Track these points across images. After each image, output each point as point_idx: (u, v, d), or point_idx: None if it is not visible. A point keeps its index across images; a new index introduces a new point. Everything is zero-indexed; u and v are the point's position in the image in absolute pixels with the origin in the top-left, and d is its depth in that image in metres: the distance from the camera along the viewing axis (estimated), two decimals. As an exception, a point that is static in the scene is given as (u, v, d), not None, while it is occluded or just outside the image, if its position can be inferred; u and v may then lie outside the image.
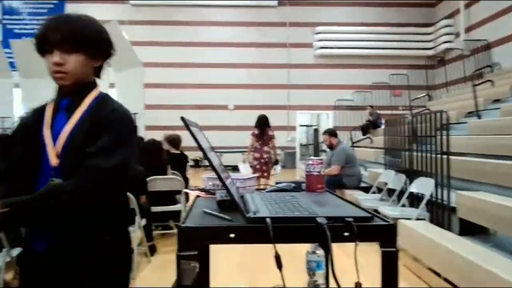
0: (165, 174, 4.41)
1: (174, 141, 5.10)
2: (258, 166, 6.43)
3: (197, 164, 13.19)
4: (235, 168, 12.25)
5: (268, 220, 0.93)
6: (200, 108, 13.71)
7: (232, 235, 0.96)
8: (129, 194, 3.19)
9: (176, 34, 14.00)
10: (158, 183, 4.18)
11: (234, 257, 3.68)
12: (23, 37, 13.39)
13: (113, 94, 11.28)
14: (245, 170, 6.56)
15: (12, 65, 11.15)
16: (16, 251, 2.53)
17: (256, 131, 6.48)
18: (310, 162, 1.41)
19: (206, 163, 11.50)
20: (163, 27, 14.01)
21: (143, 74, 10.41)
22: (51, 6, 13.82)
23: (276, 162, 6.91)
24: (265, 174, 6.44)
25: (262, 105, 13.78)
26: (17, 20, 13.94)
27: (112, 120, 1.23)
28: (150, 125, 11.37)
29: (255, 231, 0.95)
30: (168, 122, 11.83)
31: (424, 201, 3.99)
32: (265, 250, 0.94)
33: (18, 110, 11.14)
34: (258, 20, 14.30)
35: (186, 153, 5.38)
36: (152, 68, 12.61)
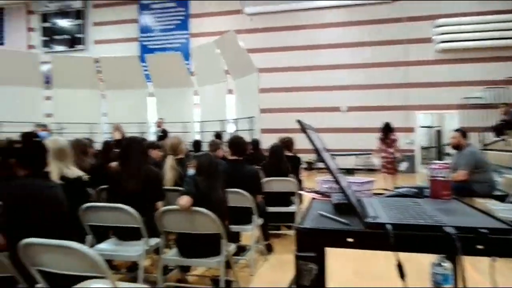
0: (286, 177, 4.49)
1: (287, 143, 5.17)
2: (384, 164, 7.87)
3: (309, 166, 13.23)
4: (349, 171, 12.01)
5: (388, 226, 0.90)
6: (312, 110, 13.70)
7: (350, 240, 0.95)
8: (246, 193, 3.34)
9: (289, 39, 14.26)
10: (273, 184, 4.30)
11: (349, 262, 3.60)
12: (156, 52, 15.12)
13: (231, 99, 12.03)
14: (378, 162, 8.21)
15: (147, 77, 12.73)
16: (153, 241, 2.82)
17: (381, 136, 7.94)
18: (435, 166, 1.33)
19: (319, 165, 11.46)
20: (276, 33, 14.40)
21: (259, 79, 10.84)
22: (179, 22, 15.32)
23: (402, 160, 8.24)
24: (391, 170, 7.81)
25: (377, 105, 13.21)
26: (150, 37, 15.79)
27: None
28: (265, 128, 11.77)
29: (374, 237, 0.93)
30: (282, 125, 12.16)
31: None
32: (380, 257, 0.91)
33: (153, 116, 12.62)
34: (372, 18, 13.73)
35: (299, 155, 5.43)
36: (267, 73, 13.06)
